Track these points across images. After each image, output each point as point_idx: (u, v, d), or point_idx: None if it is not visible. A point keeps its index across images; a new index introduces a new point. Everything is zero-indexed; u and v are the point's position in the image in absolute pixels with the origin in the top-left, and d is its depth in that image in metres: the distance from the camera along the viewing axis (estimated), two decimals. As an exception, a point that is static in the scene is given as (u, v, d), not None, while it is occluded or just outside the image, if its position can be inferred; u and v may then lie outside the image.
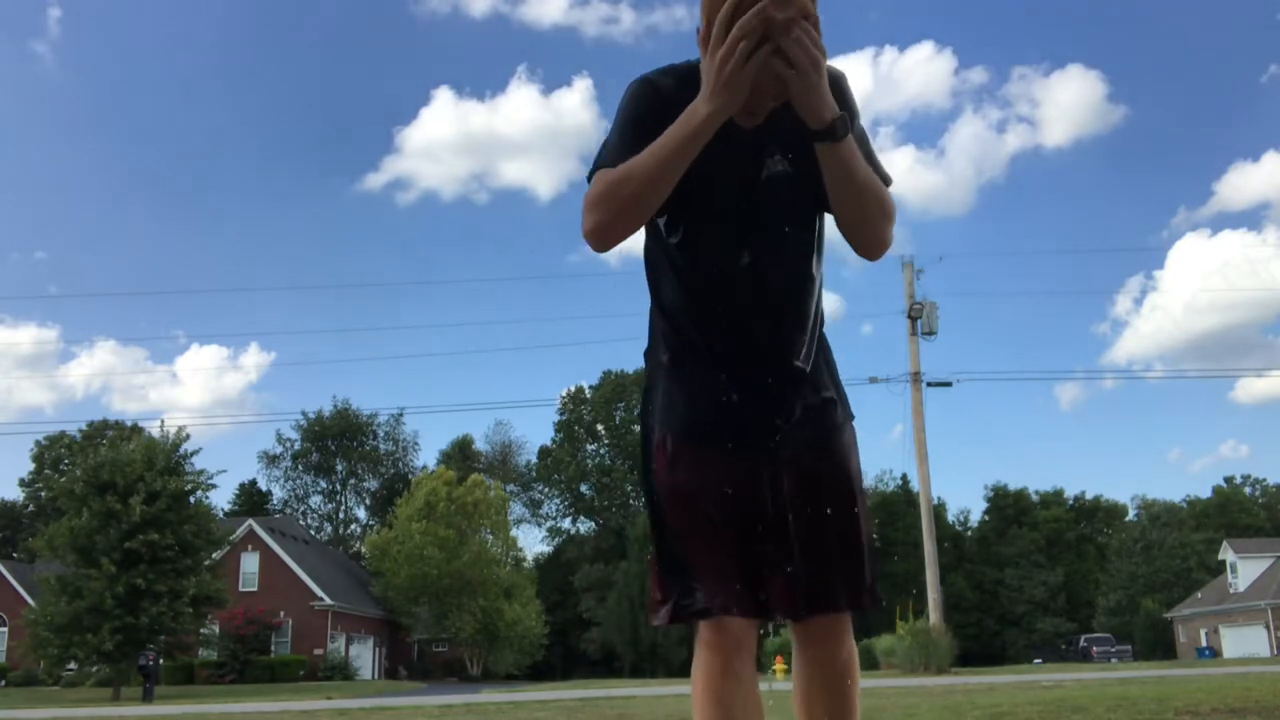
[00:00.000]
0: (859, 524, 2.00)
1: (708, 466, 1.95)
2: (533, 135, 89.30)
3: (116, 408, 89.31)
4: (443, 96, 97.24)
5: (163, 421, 33.14)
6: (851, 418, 2.10)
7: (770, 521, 1.95)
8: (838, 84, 1.91)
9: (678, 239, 1.97)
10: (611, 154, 1.85)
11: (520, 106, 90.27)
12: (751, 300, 1.94)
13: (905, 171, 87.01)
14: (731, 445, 1.96)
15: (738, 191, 1.91)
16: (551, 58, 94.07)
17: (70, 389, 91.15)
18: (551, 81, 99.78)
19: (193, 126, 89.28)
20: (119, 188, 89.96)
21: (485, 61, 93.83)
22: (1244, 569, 48.76)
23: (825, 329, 2.10)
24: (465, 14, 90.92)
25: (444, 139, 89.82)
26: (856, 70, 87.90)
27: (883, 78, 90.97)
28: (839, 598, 1.97)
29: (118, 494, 29.48)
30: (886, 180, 1.94)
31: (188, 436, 32.47)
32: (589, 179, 1.86)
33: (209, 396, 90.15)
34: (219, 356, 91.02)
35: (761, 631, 1.98)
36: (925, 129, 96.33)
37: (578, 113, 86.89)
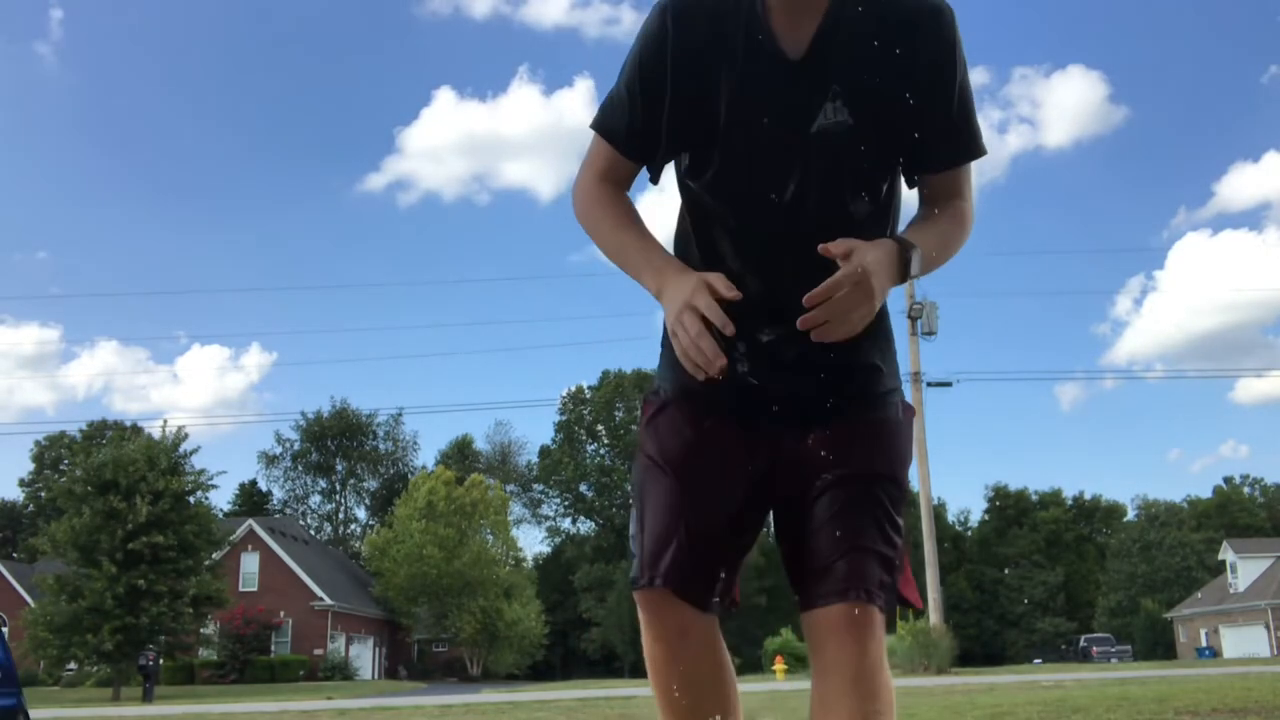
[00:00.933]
0: (899, 503, 1.71)
1: (696, 428, 1.73)
2: (534, 136, 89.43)
3: (118, 408, 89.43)
4: (444, 97, 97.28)
5: (165, 422, 33.09)
6: (900, 391, 1.80)
7: (776, 502, 1.73)
8: (939, 33, 1.55)
9: (704, 184, 1.67)
10: (614, 114, 1.68)
11: (522, 107, 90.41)
12: (788, 273, 1.60)
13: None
14: (737, 417, 1.71)
15: (780, 143, 1.57)
16: (553, 58, 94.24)
17: (72, 389, 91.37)
18: (553, 82, 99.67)
19: (194, 127, 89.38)
20: (121, 188, 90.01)
21: (487, 62, 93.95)
22: (1244, 569, 48.76)
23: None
24: (466, 15, 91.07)
25: (445, 140, 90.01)
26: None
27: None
28: (860, 584, 1.61)
29: (120, 494, 29.48)
30: (981, 152, 1.65)
31: (186, 436, 32.48)
32: (593, 127, 1.72)
33: (211, 397, 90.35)
34: (220, 357, 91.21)
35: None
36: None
37: (579, 113, 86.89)
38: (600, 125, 1.70)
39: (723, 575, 1.72)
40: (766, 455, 1.72)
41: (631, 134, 1.67)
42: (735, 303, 1.56)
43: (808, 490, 1.69)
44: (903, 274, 1.56)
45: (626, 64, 1.65)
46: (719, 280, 1.53)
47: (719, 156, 1.61)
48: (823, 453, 1.68)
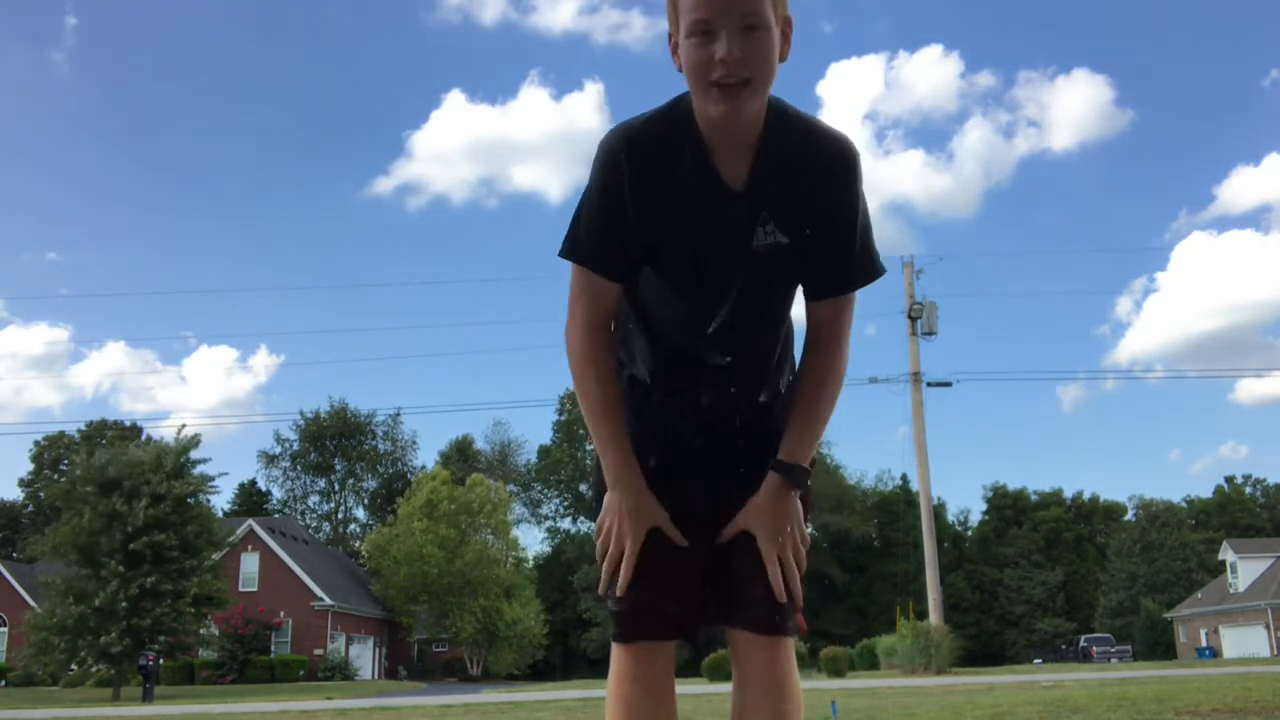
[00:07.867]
0: (802, 516, 1.93)
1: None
2: (544, 140, 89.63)
3: (125, 408, 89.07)
4: (454, 101, 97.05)
5: (182, 427, 32.84)
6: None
7: (710, 532, 1.92)
8: (848, 175, 1.79)
9: (651, 280, 1.89)
10: (586, 246, 1.82)
11: (531, 111, 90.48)
12: (717, 366, 1.91)
13: (914, 175, 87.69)
14: (673, 466, 1.94)
15: (724, 255, 1.82)
16: (562, 63, 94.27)
17: (80, 389, 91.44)
18: (562, 86, 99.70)
19: (205, 130, 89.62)
20: (131, 190, 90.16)
21: (496, 68, 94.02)
22: (1244, 569, 48.77)
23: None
24: (476, 22, 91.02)
25: (455, 144, 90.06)
26: (867, 74, 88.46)
27: (892, 81, 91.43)
28: (773, 620, 1.89)
29: (123, 494, 29.43)
30: (878, 273, 1.89)
31: (198, 442, 32.03)
32: (565, 255, 1.84)
33: (216, 397, 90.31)
34: (228, 358, 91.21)
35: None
36: (933, 132, 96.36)
37: (589, 117, 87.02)
38: (585, 258, 1.84)
39: (697, 599, 1.96)
40: (701, 490, 1.96)
41: (614, 261, 1.84)
42: (668, 372, 1.93)
43: (729, 510, 1.92)
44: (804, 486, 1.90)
45: (591, 198, 1.81)
46: (667, 529, 1.88)
47: (669, 262, 1.84)
48: (741, 479, 1.92)
